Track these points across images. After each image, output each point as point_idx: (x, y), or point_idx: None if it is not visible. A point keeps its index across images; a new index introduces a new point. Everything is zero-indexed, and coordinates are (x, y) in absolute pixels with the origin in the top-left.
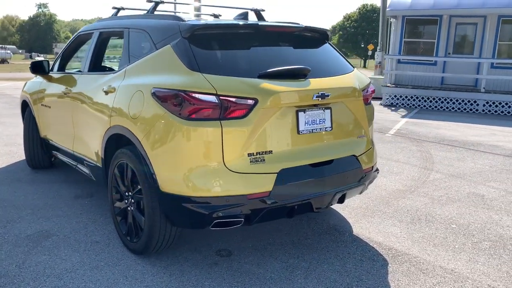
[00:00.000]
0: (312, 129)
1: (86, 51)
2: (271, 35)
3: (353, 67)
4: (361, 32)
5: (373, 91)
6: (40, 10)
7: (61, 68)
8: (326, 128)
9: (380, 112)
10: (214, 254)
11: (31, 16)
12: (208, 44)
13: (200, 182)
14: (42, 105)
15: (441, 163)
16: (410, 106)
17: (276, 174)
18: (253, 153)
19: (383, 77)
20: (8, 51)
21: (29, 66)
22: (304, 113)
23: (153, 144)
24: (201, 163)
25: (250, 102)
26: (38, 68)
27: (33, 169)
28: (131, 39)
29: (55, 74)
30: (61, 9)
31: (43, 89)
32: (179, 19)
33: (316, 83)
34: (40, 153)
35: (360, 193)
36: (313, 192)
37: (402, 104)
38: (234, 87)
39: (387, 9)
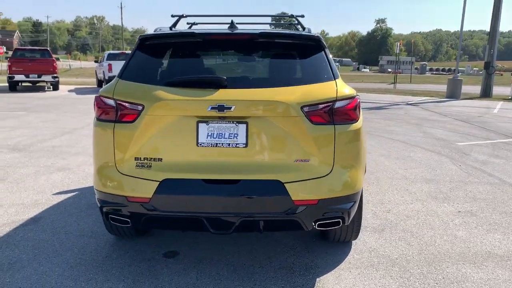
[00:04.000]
0: (217, 143)
1: None
2: (218, 43)
3: (333, 78)
4: None
5: (349, 108)
6: (378, 25)
7: None
8: (237, 144)
9: None
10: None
11: (369, 31)
12: (147, 53)
13: (97, 177)
14: None
15: None
16: None
17: (158, 183)
18: (139, 158)
19: None
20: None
21: None
22: (207, 125)
23: None
24: (100, 161)
25: (139, 107)
26: None
27: None
28: None
29: None
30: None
31: None
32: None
33: (222, 94)
34: None
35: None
36: (204, 210)
37: None
38: (130, 93)
39: None
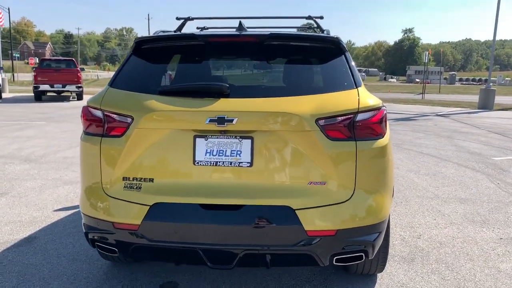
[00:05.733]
0: (217, 162)
1: None
2: (222, 46)
3: (355, 86)
4: None
5: (374, 120)
6: (405, 35)
7: None
8: (241, 163)
9: None
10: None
11: (397, 41)
12: (143, 58)
13: (82, 199)
14: None
15: None
16: None
17: (149, 207)
18: (128, 178)
19: None
20: (363, 73)
21: None
22: (206, 140)
23: None
24: (86, 180)
25: (128, 119)
26: None
27: None
28: None
29: None
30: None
31: None
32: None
33: (223, 105)
34: None
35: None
36: (201, 241)
37: None
38: (119, 102)
39: None
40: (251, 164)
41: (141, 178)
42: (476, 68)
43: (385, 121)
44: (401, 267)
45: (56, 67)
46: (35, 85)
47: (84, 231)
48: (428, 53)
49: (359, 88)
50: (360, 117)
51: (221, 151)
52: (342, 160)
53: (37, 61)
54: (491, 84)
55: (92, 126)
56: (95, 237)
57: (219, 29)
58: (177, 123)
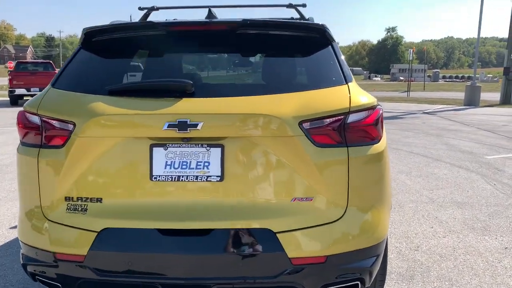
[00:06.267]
0: (180, 176)
1: None
2: (187, 36)
3: (344, 81)
4: None
5: (369, 122)
6: (388, 33)
7: None
8: (210, 177)
9: None
10: None
11: (380, 39)
12: (93, 52)
13: (19, 224)
14: None
15: None
16: None
17: (97, 234)
18: (71, 198)
19: None
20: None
21: None
22: (165, 149)
23: None
24: (24, 201)
25: (70, 126)
26: None
27: None
28: None
29: None
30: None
31: None
32: None
33: (186, 106)
34: None
35: None
36: (161, 274)
37: None
38: (60, 106)
39: None
40: (221, 178)
41: (87, 198)
42: (459, 66)
43: (381, 123)
44: (400, 287)
45: (32, 70)
46: (10, 89)
47: (21, 262)
48: (412, 51)
49: (349, 84)
50: (352, 118)
51: (184, 163)
52: (332, 171)
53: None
54: (476, 81)
55: (29, 135)
56: (35, 270)
57: None
58: (129, 129)
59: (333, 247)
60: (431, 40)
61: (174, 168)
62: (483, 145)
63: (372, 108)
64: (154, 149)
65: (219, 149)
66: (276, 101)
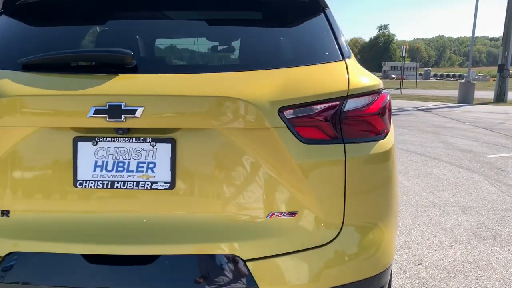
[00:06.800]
0: (114, 182)
1: None
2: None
3: (341, 57)
4: None
5: (372, 110)
6: (380, 31)
7: None
8: (155, 183)
9: None
10: None
11: (372, 37)
12: (15, 18)
13: None
14: None
15: None
16: None
17: (1, 260)
18: None
19: None
20: None
21: None
22: (94, 145)
23: None
24: None
25: None
26: None
27: None
28: None
29: None
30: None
31: None
32: None
33: (121, 85)
34: None
35: None
36: None
37: None
38: None
39: None
40: (171, 185)
41: None
42: (449, 64)
43: (389, 112)
44: None
45: None
46: None
47: None
48: (406, 47)
49: (347, 60)
50: (350, 104)
51: (120, 164)
52: (323, 176)
53: None
54: (466, 79)
55: None
56: None
57: None
58: (45, 117)
59: (324, 280)
60: (422, 39)
61: (107, 170)
62: (482, 143)
63: (376, 92)
64: (79, 144)
65: (168, 146)
66: (248, 80)
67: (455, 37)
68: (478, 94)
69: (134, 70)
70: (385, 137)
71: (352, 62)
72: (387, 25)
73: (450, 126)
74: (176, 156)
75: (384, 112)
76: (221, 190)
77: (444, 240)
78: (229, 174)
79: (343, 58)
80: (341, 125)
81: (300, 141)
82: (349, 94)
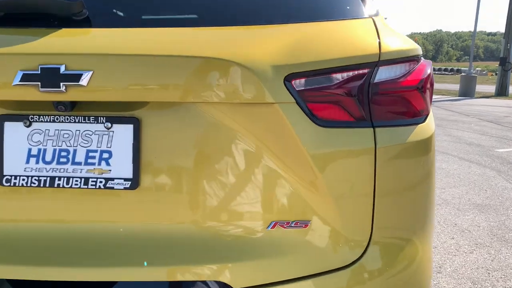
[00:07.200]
0: (55, 178)
1: None
2: None
3: (366, 13)
4: None
5: (410, 83)
6: None
7: None
8: (112, 180)
9: None
10: None
11: None
12: None
13: None
14: None
15: None
16: None
17: None
18: None
19: None
20: None
21: None
22: (26, 126)
23: None
24: None
25: None
26: None
27: None
28: None
29: None
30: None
31: None
32: None
33: (62, 41)
34: None
35: None
36: None
37: None
38: None
39: None
40: (134, 183)
41: None
42: (447, 59)
43: (432, 87)
44: None
45: None
46: None
47: None
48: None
49: (375, 18)
50: (382, 73)
51: (63, 154)
52: (345, 172)
53: None
54: (472, 71)
55: None
56: None
57: None
58: None
59: None
60: (420, 33)
61: (45, 162)
62: (490, 137)
63: (415, 59)
64: (6, 125)
65: (130, 128)
66: (244, 38)
67: (452, 31)
68: (478, 88)
69: (84, 23)
70: (424, 120)
71: (381, 20)
72: (385, 18)
73: (454, 119)
74: (140, 143)
75: (425, 86)
76: (204, 190)
77: (463, 243)
78: (215, 169)
79: (371, 16)
80: (370, 102)
81: (315, 122)
82: (380, 59)
